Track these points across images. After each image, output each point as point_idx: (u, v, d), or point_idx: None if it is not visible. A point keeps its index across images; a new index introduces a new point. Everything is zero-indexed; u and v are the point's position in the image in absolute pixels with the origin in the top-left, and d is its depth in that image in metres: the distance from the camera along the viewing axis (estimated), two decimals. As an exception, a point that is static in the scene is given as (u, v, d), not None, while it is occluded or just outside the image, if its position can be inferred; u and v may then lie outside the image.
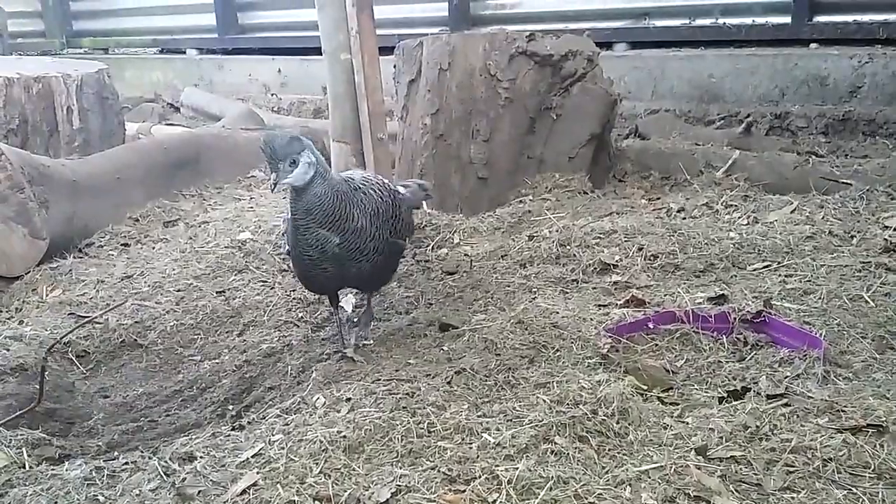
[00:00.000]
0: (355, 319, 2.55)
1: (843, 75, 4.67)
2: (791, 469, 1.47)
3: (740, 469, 1.48)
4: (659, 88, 5.26)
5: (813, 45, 4.83)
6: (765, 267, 2.60)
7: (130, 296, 3.00)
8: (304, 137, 2.11)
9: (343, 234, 2.14)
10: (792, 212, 3.16)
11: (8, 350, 2.55)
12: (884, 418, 1.58)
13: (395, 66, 4.11)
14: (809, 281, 2.41)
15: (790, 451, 1.51)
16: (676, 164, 4.00)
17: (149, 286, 3.09)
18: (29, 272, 3.37)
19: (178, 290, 3.03)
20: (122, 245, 3.64)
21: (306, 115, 6.37)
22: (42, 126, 4.09)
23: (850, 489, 1.40)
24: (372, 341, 2.35)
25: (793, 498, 1.40)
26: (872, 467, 1.45)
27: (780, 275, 2.52)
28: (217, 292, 2.97)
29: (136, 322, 2.81)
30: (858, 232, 2.82)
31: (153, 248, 3.56)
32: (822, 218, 3.03)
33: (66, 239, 3.57)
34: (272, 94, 6.99)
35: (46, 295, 3.19)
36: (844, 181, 3.46)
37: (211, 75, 7.58)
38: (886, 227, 2.85)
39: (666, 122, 5.02)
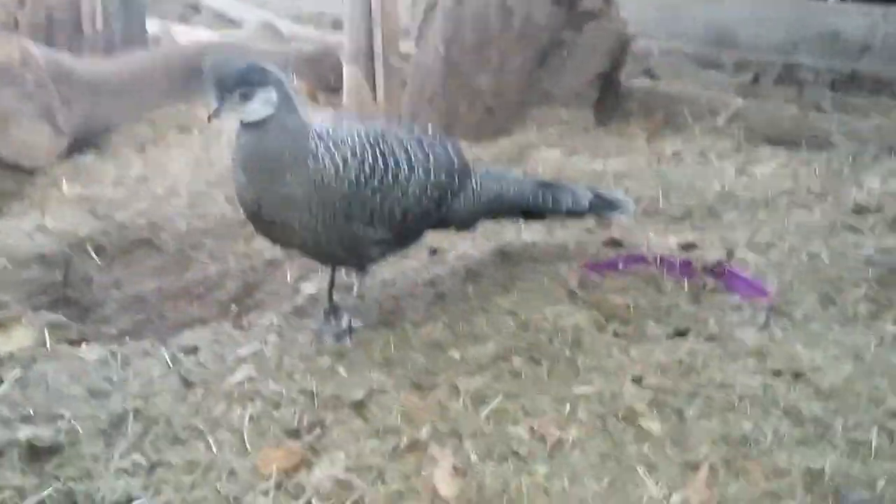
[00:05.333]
0: (338, 301, 2.17)
1: (856, 32, 4.71)
2: (710, 401, 1.68)
3: (667, 398, 1.69)
4: (675, 28, 5.29)
5: (831, 0, 4.85)
6: (739, 218, 2.76)
7: (146, 197, 3.20)
8: (275, 70, 1.80)
9: (263, 191, 1.79)
10: (778, 166, 3.30)
11: (32, 239, 2.76)
12: (805, 365, 1.79)
13: (413, -10, 4.18)
14: (777, 235, 2.58)
15: (714, 386, 1.72)
16: (681, 107, 4.10)
17: (163, 189, 3.29)
18: (51, 166, 3.57)
19: (191, 195, 3.22)
20: (138, 146, 3.81)
21: (325, 27, 6.42)
22: (66, 26, 4.21)
23: (756, 422, 1.62)
24: (359, 326, 2.03)
25: (706, 424, 1.61)
26: (782, 406, 1.66)
27: (751, 227, 2.68)
28: (227, 199, 3.16)
29: (150, 222, 3.01)
30: (835, 191, 2.97)
31: (168, 151, 3.73)
32: (805, 175, 3.17)
33: (86, 136, 3.74)
34: (292, 1, 7.01)
35: (67, 190, 3.39)
36: (834, 140, 3.58)
37: (234, -23, 7.56)
38: (862, 188, 3.00)
39: (678, 64, 5.10)
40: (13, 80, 3.54)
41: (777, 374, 1.76)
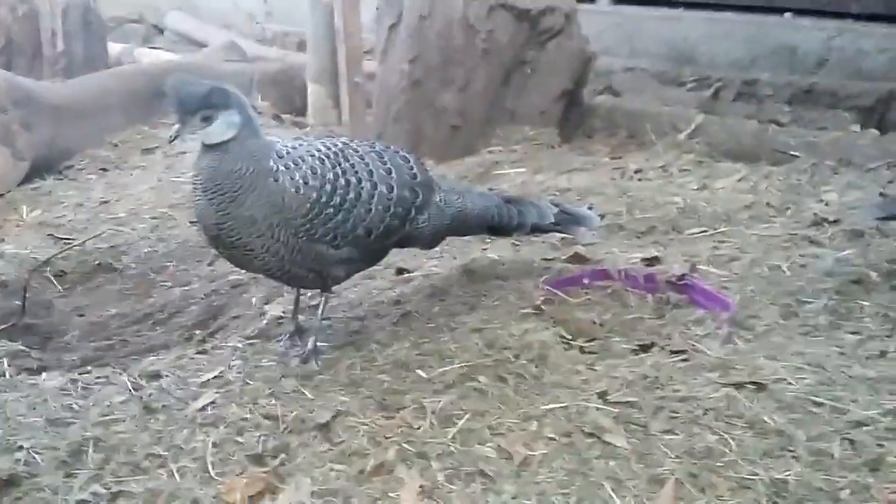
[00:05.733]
0: (304, 323, 2.14)
1: (813, 47, 4.81)
2: (675, 415, 1.69)
3: (632, 412, 1.70)
4: (636, 46, 5.37)
5: (787, 14, 4.95)
6: (701, 232, 2.80)
7: (107, 221, 3.16)
8: (236, 92, 1.79)
9: (223, 214, 1.76)
10: (739, 180, 3.35)
11: (-10, 266, 2.72)
12: (767, 377, 1.81)
13: (377, 8, 4.19)
14: (738, 248, 2.61)
15: (678, 399, 1.73)
16: (644, 123, 4.16)
17: (125, 212, 3.25)
18: (10, 192, 3.51)
19: (153, 218, 3.19)
20: (100, 169, 3.78)
21: (290, 48, 6.41)
22: (26, 48, 4.17)
23: (721, 435, 1.63)
24: (326, 347, 2.01)
25: (671, 439, 1.62)
26: (745, 418, 1.67)
27: (713, 241, 2.71)
28: (190, 222, 3.12)
29: (111, 246, 2.97)
30: (794, 204, 3.02)
31: (131, 174, 3.70)
32: (765, 188, 3.23)
33: (47, 161, 3.70)
34: (257, 23, 7.01)
35: (27, 215, 3.34)
36: (793, 153, 3.65)
37: (196, -1, 7.55)
38: (821, 200, 3.05)
39: (640, 81, 5.17)
40: (-30, 104, 3.49)
41: (740, 386, 1.78)
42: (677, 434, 1.64)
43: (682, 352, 1.94)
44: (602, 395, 1.75)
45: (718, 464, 1.57)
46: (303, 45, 6.35)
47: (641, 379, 1.81)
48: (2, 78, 3.57)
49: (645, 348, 1.98)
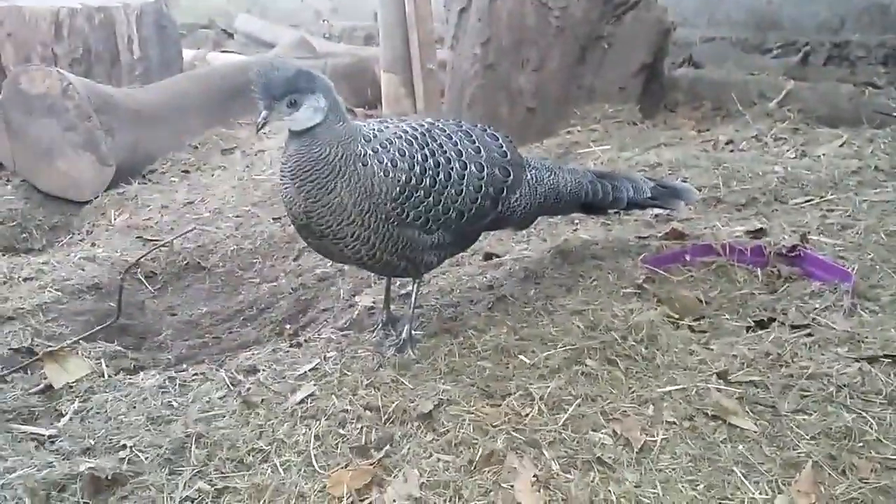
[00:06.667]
0: (396, 312, 2.11)
1: (907, 3, 4.52)
2: (805, 393, 1.56)
3: (757, 392, 1.58)
4: (715, 15, 5.15)
5: (877, -29, 4.67)
6: (807, 201, 2.63)
7: (192, 221, 3.18)
8: (322, 76, 1.75)
9: (313, 202, 1.71)
10: (841, 145, 3.15)
11: (83, 270, 2.75)
12: (902, 349, 1.66)
13: (445, -6, 4.12)
14: (849, 216, 2.44)
15: (807, 377, 1.60)
16: (729, 94, 3.98)
17: (209, 212, 3.27)
18: (97, 197, 3.58)
19: (237, 217, 3.19)
20: (182, 172, 3.81)
21: (357, 43, 6.41)
22: (104, 55, 4.24)
23: (859, 413, 1.49)
24: (420, 335, 1.96)
25: (804, 419, 1.50)
26: (884, 394, 1.53)
27: (821, 209, 2.55)
28: (273, 219, 3.12)
29: (198, 246, 2.99)
30: (905, 167, 2.81)
31: (212, 175, 3.72)
32: (871, 152, 3.02)
33: (131, 165, 3.75)
34: (324, 21, 7.03)
35: (115, 219, 3.40)
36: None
37: (264, 1, 7.62)
38: (934, 162, 2.84)
39: (721, 51, 4.96)
40: (55, 111, 3.56)
41: (873, 360, 1.63)
42: (810, 414, 1.52)
43: (804, 326, 1.80)
44: (722, 376, 1.63)
45: (859, 444, 1.44)
46: (369, 39, 6.36)
47: (763, 357, 1.68)
48: (83, 86, 3.63)
49: (762, 324, 1.85)
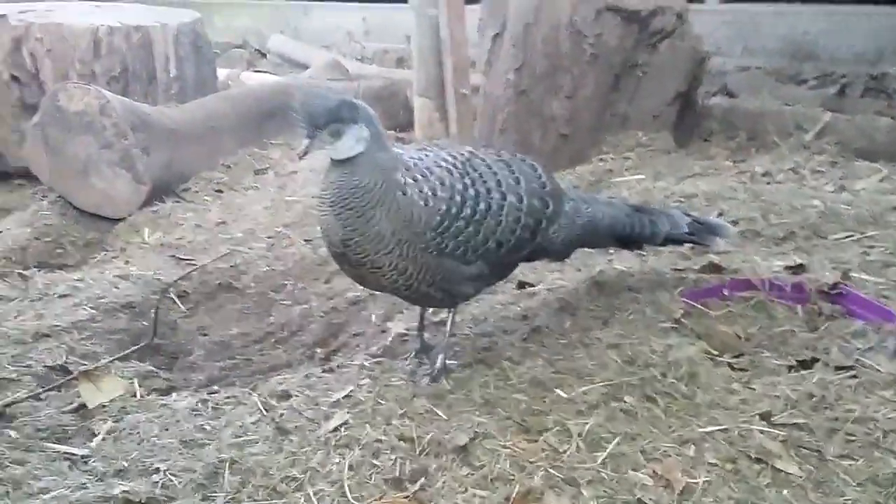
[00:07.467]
0: (430, 340, 2.09)
1: (947, 35, 4.47)
2: (851, 438, 1.52)
3: (802, 435, 1.54)
4: (750, 45, 5.14)
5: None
6: (847, 237, 2.59)
7: (225, 241, 3.19)
8: (364, 105, 1.75)
9: (352, 230, 1.71)
10: (881, 180, 3.12)
11: (117, 288, 2.77)
12: (952, 395, 1.62)
13: (480, 19, 4.13)
14: (891, 253, 2.40)
15: (852, 420, 1.57)
16: (764, 124, 3.95)
17: (242, 232, 3.28)
18: (132, 215, 3.61)
19: (269, 237, 3.20)
20: (215, 191, 3.84)
21: (389, 65, 6.46)
22: (141, 74, 4.30)
23: (909, 461, 1.46)
24: (455, 365, 1.93)
25: (850, 465, 1.46)
26: (935, 442, 1.50)
27: (861, 245, 2.51)
28: (305, 240, 3.13)
29: (231, 266, 2.99)
30: (948, 204, 2.76)
31: (245, 195, 3.74)
32: (912, 188, 2.98)
33: (165, 184, 3.78)
34: (356, 42, 7.09)
35: (148, 237, 3.42)
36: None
37: (297, 22, 7.71)
38: (977, 197, 2.79)
39: (756, 80, 4.92)
40: (92, 128, 3.61)
41: (922, 405, 1.59)
42: (856, 459, 1.48)
43: (848, 368, 1.76)
44: (765, 417, 1.60)
45: (908, 493, 1.40)
46: (401, 62, 6.40)
47: (807, 398, 1.65)
48: (120, 104, 3.68)
49: (805, 364, 1.81)
